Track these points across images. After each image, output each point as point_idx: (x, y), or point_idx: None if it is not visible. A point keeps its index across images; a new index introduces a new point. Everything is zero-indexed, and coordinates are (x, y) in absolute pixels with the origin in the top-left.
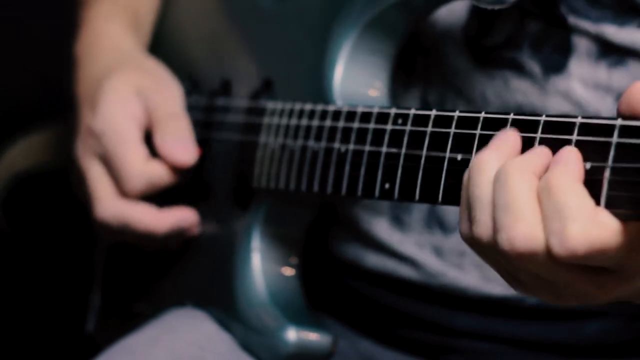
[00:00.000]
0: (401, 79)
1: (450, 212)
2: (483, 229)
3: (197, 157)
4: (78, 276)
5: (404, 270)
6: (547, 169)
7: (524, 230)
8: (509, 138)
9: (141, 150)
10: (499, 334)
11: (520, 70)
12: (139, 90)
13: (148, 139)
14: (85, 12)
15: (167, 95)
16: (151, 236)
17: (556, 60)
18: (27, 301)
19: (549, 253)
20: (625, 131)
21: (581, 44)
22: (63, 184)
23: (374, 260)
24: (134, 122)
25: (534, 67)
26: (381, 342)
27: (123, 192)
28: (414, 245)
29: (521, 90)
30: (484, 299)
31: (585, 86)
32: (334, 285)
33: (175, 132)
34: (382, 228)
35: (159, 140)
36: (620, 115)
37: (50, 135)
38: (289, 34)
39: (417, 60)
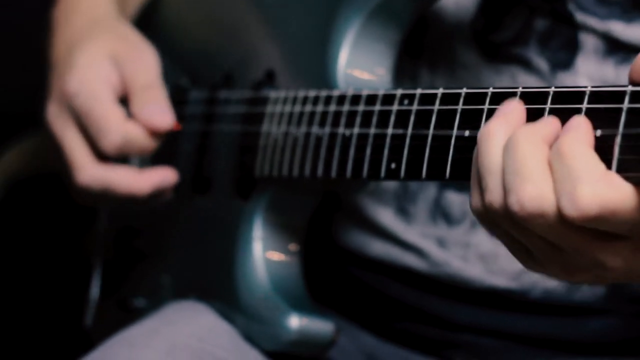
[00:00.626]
0: (408, 72)
1: (455, 205)
2: (494, 195)
3: (174, 124)
4: (75, 273)
5: (409, 259)
6: (556, 138)
7: (533, 191)
8: (514, 107)
9: (118, 109)
10: (501, 328)
11: (527, 66)
12: (114, 57)
13: (124, 106)
14: None
15: (142, 63)
16: (133, 198)
17: (563, 57)
18: (25, 298)
19: (560, 215)
20: (636, 97)
21: (588, 41)
22: (58, 187)
23: (378, 247)
24: (109, 85)
25: (541, 63)
26: (382, 336)
27: (100, 151)
28: (418, 236)
29: (530, 85)
30: (488, 291)
31: (592, 83)
32: (336, 275)
33: (152, 100)
34: (387, 218)
35: (137, 108)
36: (631, 82)
37: (46, 139)
38: (291, 24)
39: (424, 53)
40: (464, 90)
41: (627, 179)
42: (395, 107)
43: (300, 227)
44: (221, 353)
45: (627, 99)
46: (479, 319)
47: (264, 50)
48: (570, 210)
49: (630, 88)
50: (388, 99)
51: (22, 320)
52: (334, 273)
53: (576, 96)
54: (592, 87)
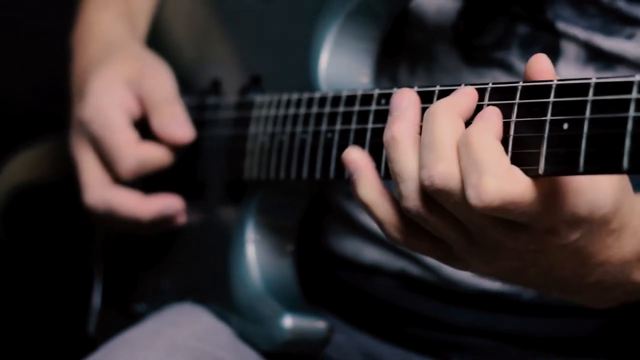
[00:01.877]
0: (388, 74)
1: None
2: (409, 188)
3: (194, 135)
4: (78, 280)
5: (402, 264)
6: (472, 111)
7: (443, 169)
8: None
9: (131, 133)
10: (497, 329)
11: (509, 70)
12: (129, 79)
13: (141, 125)
14: (83, 5)
15: (158, 80)
16: (136, 222)
17: None
18: (30, 305)
19: (464, 201)
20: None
21: (570, 49)
22: (61, 196)
23: (372, 253)
24: (122, 108)
25: (523, 67)
26: (380, 337)
27: (116, 176)
28: None
29: None
30: (482, 294)
31: None
32: (329, 279)
33: (171, 114)
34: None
35: (157, 123)
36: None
37: (50, 148)
38: (275, 30)
39: (403, 54)
40: (437, 88)
41: (524, 171)
42: (373, 107)
43: (292, 229)
44: (220, 353)
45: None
46: (474, 321)
47: (250, 55)
48: (475, 201)
49: (521, 84)
50: (366, 99)
51: (26, 327)
52: (326, 277)
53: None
54: (493, 83)
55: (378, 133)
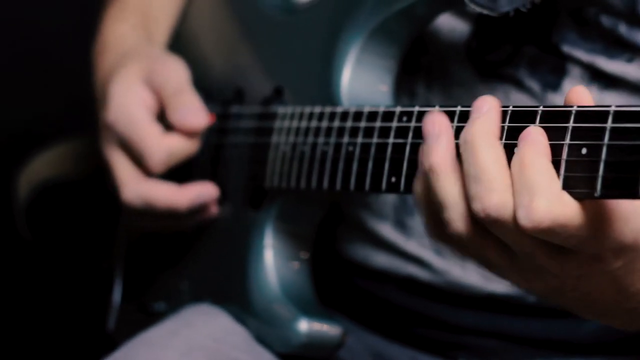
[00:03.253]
0: (406, 89)
1: None
2: (455, 215)
3: (209, 120)
4: (98, 278)
5: (411, 269)
6: (499, 128)
7: (498, 200)
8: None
9: (155, 126)
10: (502, 331)
11: (519, 85)
12: (144, 77)
13: (162, 118)
14: (102, 19)
15: (169, 73)
16: (174, 212)
17: (552, 80)
18: (51, 302)
19: (515, 223)
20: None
21: (574, 70)
22: (84, 193)
23: (381, 259)
24: (143, 105)
25: (532, 84)
26: (390, 338)
27: (147, 170)
28: (417, 246)
29: (521, 104)
30: (488, 297)
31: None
32: (342, 283)
33: (184, 103)
34: (386, 230)
35: (171, 113)
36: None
37: (74, 146)
38: (299, 44)
39: (420, 71)
40: (459, 109)
41: (572, 194)
42: (394, 124)
43: (308, 235)
44: (236, 354)
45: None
46: (480, 322)
47: (273, 67)
48: (525, 222)
49: (575, 108)
50: (388, 115)
51: (47, 323)
52: (340, 281)
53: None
54: (544, 106)
55: (399, 149)
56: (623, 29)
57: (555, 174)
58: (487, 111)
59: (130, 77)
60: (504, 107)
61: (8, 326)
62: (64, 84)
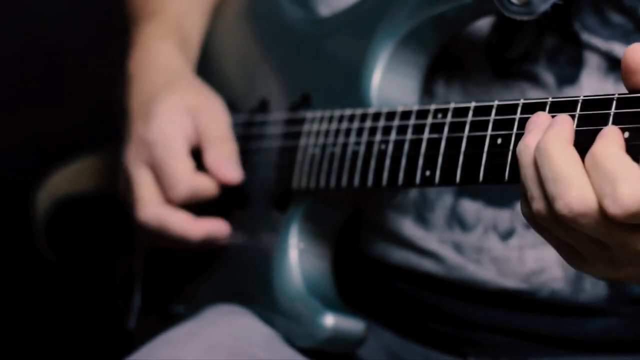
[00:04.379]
0: (426, 88)
1: (470, 212)
2: (539, 203)
3: (241, 178)
4: (119, 281)
5: (427, 264)
6: (572, 133)
7: (578, 193)
8: (544, 119)
9: (189, 162)
10: (512, 326)
11: (535, 81)
12: (190, 108)
13: (194, 155)
14: (137, 33)
15: (216, 116)
16: (185, 242)
17: (569, 73)
18: (74, 305)
19: (604, 215)
20: None
21: (592, 59)
22: (103, 209)
23: (398, 256)
24: (184, 136)
25: (549, 78)
26: (403, 334)
27: (168, 198)
28: (435, 242)
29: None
30: (500, 292)
31: None
32: (362, 281)
33: (224, 153)
34: (406, 226)
35: (210, 159)
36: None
37: (93, 162)
38: (325, 52)
39: (440, 70)
40: (496, 103)
41: None
42: (429, 121)
43: (332, 235)
44: (256, 352)
45: None
46: (491, 318)
47: (299, 76)
48: (614, 209)
49: None
50: (422, 114)
51: (71, 324)
52: (359, 279)
53: (602, 103)
54: (619, 94)
55: (434, 144)
56: None
57: (630, 158)
58: (560, 122)
59: (178, 104)
60: (542, 99)
61: (29, 330)
62: (83, 100)
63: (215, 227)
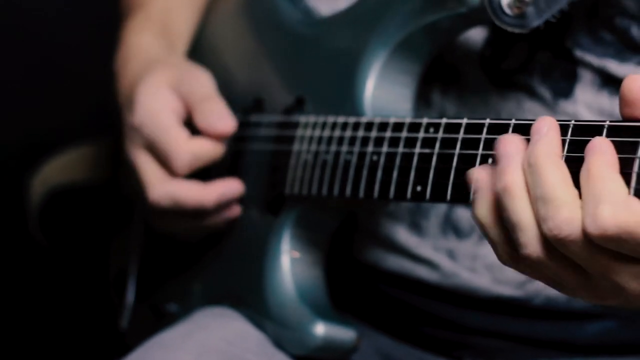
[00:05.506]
0: (422, 96)
1: (464, 219)
2: (529, 239)
3: (235, 125)
4: (111, 279)
5: (421, 271)
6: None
7: (567, 214)
8: (517, 147)
9: (181, 130)
10: (508, 331)
11: (532, 93)
12: (170, 82)
13: (188, 124)
14: (123, 29)
15: (197, 81)
16: (201, 210)
17: (564, 87)
18: (64, 303)
19: (585, 236)
20: None
21: (586, 75)
22: (96, 198)
23: (393, 262)
24: (170, 108)
25: (544, 92)
26: (398, 338)
27: (172, 172)
28: (430, 249)
29: (533, 112)
30: (495, 299)
31: (590, 111)
32: (355, 287)
33: (212, 109)
34: (401, 233)
35: (199, 119)
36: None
37: (86, 152)
38: (321, 55)
39: (436, 79)
40: (487, 121)
41: None
42: (421, 135)
43: (324, 242)
44: (249, 357)
45: None
46: (486, 324)
47: (295, 78)
48: (591, 228)
49: None
50: (414, 127)
51: (62, 322)
52: (353, 285)
53: (595, 129)
54: (610, 121)
55: (425, 158)
56: (635, 31)
57: (623, 182)
58: (547, 132)
59: (157, 82)
60: (576, 121)
61: (20, 326)
62: (77, 90)
63: (227, 187)
